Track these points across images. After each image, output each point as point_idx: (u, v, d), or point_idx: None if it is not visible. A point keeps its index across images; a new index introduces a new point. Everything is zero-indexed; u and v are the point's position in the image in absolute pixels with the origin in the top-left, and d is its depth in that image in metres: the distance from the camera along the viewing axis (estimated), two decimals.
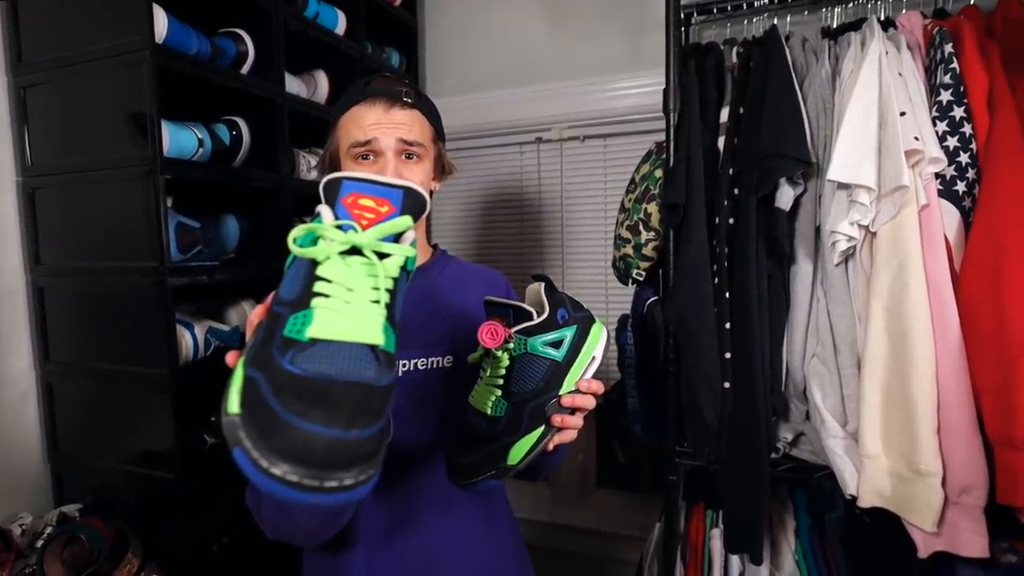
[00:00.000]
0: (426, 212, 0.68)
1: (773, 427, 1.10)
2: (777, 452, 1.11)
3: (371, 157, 0.74)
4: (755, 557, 1.09)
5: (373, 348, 0.40)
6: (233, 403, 0.36)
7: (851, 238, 0.99)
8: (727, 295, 1.07)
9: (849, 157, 0.95)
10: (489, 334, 0.61)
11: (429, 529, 0.77)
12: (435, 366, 0.78)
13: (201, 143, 1.18)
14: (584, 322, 0.66)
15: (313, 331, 0.38)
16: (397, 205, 0.47)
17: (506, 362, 0.62)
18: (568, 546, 1.84)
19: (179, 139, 1.13)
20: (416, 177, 0.76)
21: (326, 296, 0.41)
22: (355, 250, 0.44)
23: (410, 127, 0.75)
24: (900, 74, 0.98)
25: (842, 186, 0.99)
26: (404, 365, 0.77)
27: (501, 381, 0.63)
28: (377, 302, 0.42)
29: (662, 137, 1.39)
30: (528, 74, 1.79)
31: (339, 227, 0.44)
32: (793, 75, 1.03)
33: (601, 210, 1.78)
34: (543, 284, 0.66)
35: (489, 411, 0.63)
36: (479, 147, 1.90)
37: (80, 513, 1.16)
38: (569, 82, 1.74)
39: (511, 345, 0.62)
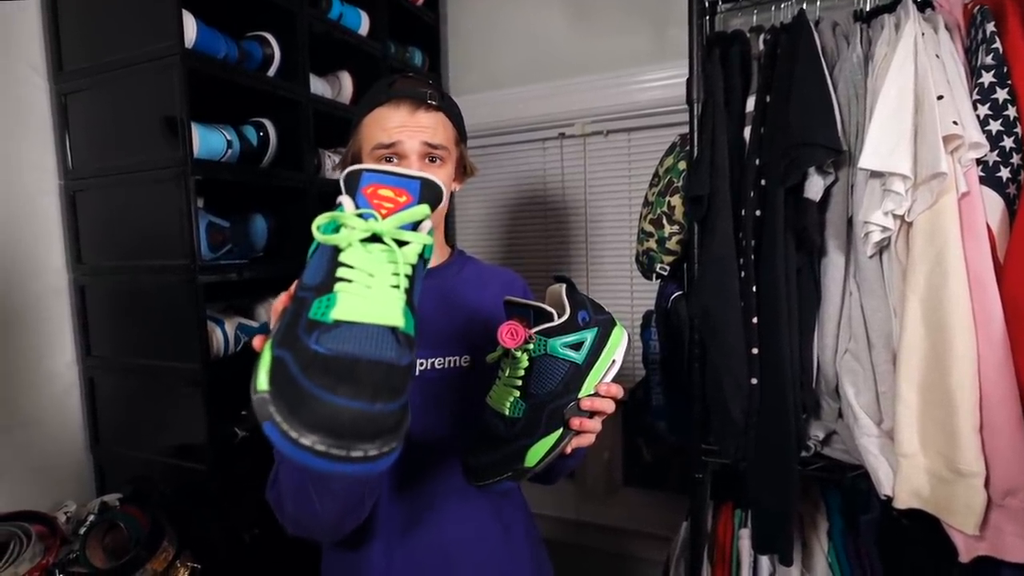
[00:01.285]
0: (443, 203, 0.68)
1: (804, 425, 1.07)
2: (808, 451, 1.08)
3: (395, 160, 0.75)
4: (785, 558, 1.06)
5: (394, 330, 0.41)
6: (262, 381, 0.38)
7: (885, 229, 0.95)
8: (754, 289, 1.04)
9: (882, 144, 0.91)
10: (509, 334, 0.61)
11: (446, 527, 0.77)
12: (452, 366, 0.78)
13: (230, 144, 1.21)
14: (605, 325, 0.65)
15: (337, 313, 0.40)
16: (415, 195, 0.48)
17: (525, 363, 0.62)
18: (594, 544, 1.83)
19: (209, 141, 1.16)
20: (438, 177, 0.76)
21: (348, 281, 0.42)
22: (375, 238, 0.45)
23: (434, 130, 0.75)
24: (937, 56, 0.93)
25: (875, 175, 0.95)
26: (421, 365, 0.77)
27: (520, 382, 0.62)
28: (397, 287, 0.44)
29: (680, 133, 1.37)
30: (551, 69, 1.78)
31: (360, 215, 0.46)
32: (823, 61, 1.00)
33: (625, 205, 1.76)
34: (564, 285, 0.65)
35: (507, 412, 0.62)
36: (502, 144, 1.90)
37: (120, 502, 1.21)
38: (592, 76, 1.72)
39: (531, 346, 0.61)
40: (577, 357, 0.63)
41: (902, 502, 0.94)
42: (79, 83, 1.18)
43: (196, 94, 1.10)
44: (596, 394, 0.64)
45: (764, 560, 1.19)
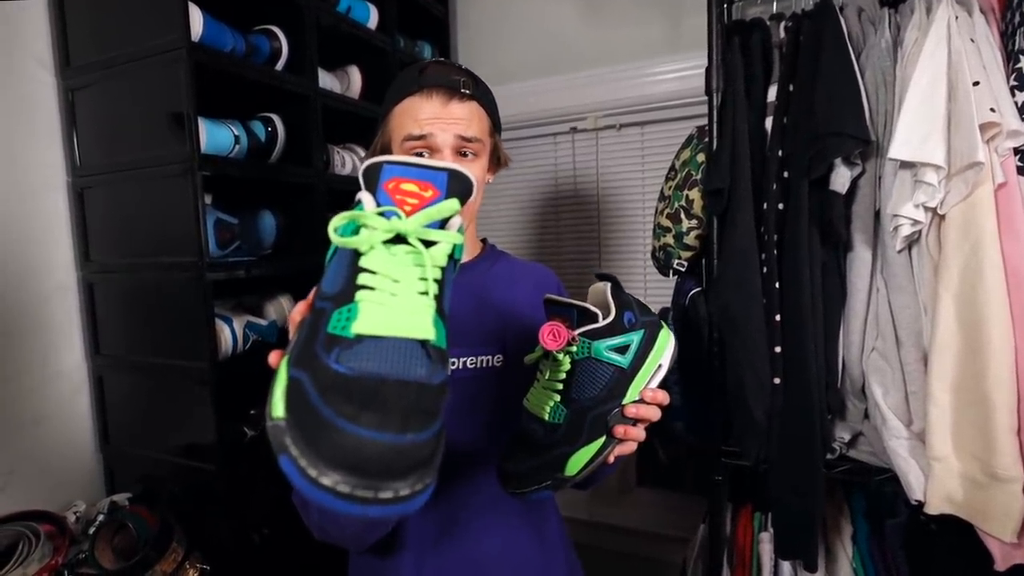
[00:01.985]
0: (473, 196, 0.68)
1: (828, 426, 1.03)
2: (833, 453, 1.04)
3: (426, 154, 0.71)
4: (809, 564, 1.03)
5: (424, 343, 0.37)
6: (278, 407, 0.34)
7: (916, 222, 0.91)
8: (777, 285, 1.00)
9: (914, 133, 0.87)
10: (551, 335, 0.57)
11: (479, 537, 0.75)
12: (485, 365, 0.75)
13: (237, 140, 1.19)
14: (652, 327, 0.62)
15: (359, 326, 0.35)
16: (442, 189, 0.43)
17: (567, 366, 0.59)
18: (607, 545, 1.80)
19: (216, 136, 1.14)
20: (472, 174, 0.73)
21: (371, 288, 0.38)
22: (400, 238, 0.41)
23: (468, 122, 0.71)
24: (972, 40, 0.89)
25: (905, 165, 0.91)
26: (453, 364, 0.74)
27: (561, 386, 0.59)
28: (425, 293, 0.39)
29: (703, 123, 1.33)
30: (562, 62, 1.74)
31: (382, 214, 0.41)
32: (850, 47, 0.96)
33: (638, 201, 1.72)
34: (609, 284, 0.61)
35: (547, 417, 0.59)
36: (512, 139, 1.87)
37: (129, 502, 1.20)
38: (605, 69, 1.69)
39: (574, 348, 0.58)
40: (622, 361, 0.59)
41: (934, 507, 0.90)
42: (86, 78, 1.17)
43: (203, 88, 1.08)
44: (641, 400, 0.61)
45: (786, 565, 1.15)
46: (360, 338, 0.35)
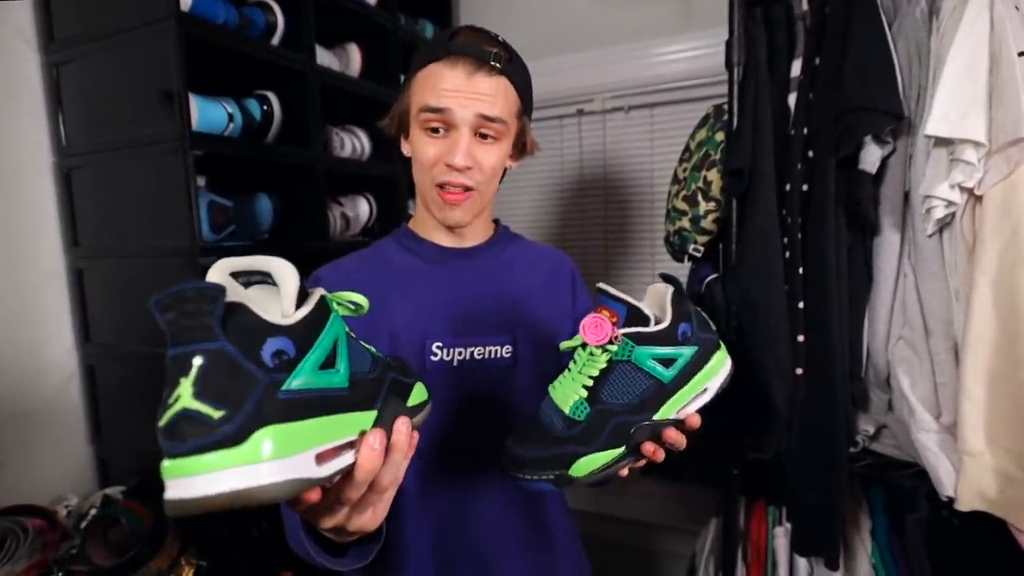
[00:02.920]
0: (496, 178, 0.72)
1: (853, 418, 0.99)
2: (855, 446, 0.99)
3: (441, 131, 0.66)
4: (831, 561, 0.99)
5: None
6: None
7: (950, 203, 0.85)
8: (800, 271, 0.95)
9: (952, 108, 0.81)
10: (592, 328, 0.53)
11: (481, 538, 0.71)
12: (493, 356, 0.71)
13: (231, 118, 1.13)
14: (708, 346, 0.57)
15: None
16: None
17: (603, 364, 0.54)
18: (613, 537, 1.78)
19: (208, 113, 1.08)
20: (488, 160, 0.67)
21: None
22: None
23: (492, 99, 0.65)
24: (1017, 8, 0.83)
25: (940, 143, 0.85)
26: (460, 354, 0.70)
27: (591, 383, 0.55)
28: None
29: (714, 104, 1.27)
30: (569, 41, 1.68)
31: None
32: (883, 16, 0.90)
33: (647, 186, 1.67)
34: (671, 289, 0.56)
35: (568, 411, 0.55)
36: None
37: (123, 496, 1.16)
38: (613, 48, 1.63)
39: (614, 348, 0.54)
40: (665, 375, 0.54)
41: (965, 504, 0.85)
42: (71, 52, 1.11)
43: (195, 63, 1.02)
44: (678, 422, 0.56)
45: (802, 560, 1.11)
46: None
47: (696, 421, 0.56)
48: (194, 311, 0.31)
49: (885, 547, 1.09)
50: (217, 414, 0.30)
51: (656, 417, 0.55)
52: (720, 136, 1.06)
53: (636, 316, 0.55)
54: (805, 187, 0.96)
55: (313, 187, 1.27)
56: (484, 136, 0.67)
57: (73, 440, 1.22)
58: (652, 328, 0.54)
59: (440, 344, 0.69)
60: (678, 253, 1.18)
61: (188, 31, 0.99)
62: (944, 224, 0.90)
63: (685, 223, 1.10)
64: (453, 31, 0.67)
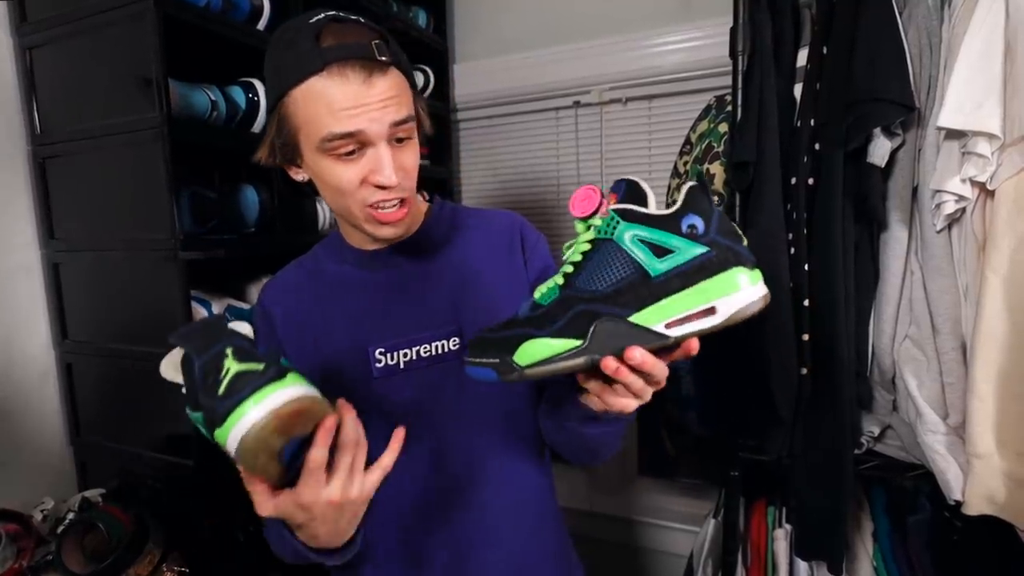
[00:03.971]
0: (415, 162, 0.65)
1: (858, 419, 0.96)
2: (860, 447, 0.97)
3: (355, 152, 0.57)
4: (834, 566, 0.97)
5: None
6: None
7: (961, 198, 0.83)
8: (806, 267, 0.92)
9: (965, 99, 0.78)
10: (581, 199, 0.48)
11: (451, 540, 0.68)
12: (440, 350, 0.67)
13: (215, 105, 1.09)
14: (727, 254, 0.45)
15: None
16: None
17: (585, 246, 0.48)
18: (608, 536, 1.76)
19: (190, 100, 1.03)
20: (410, 161, 0.61)
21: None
22: None
23: (398, 100, 0.57)
24: None
25: (952, 135, 0.82)
26: (406, 355, 0.66)
27: (571, 268, 0.49)
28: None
29: (716, 95, 1.24)
30: (566, 31, 1.64)
31: None
32: (894, 4, 0.87)
33: (645, 178, 1.62)
34: (696, 184, 0.47)
35: (538, 296, 0.50)
36: (512, 114, 1.77)
37: (103, 498, 1.12)
38: (611, 39, 1.59)
39: (598, 222, 0.47)
40: (648, 263, 0.45)
41: (974, 508, 0.83)
42: (45, 35, 1.06)
43: (176, 47, 0.97)
44: (664, 342, 0.45)
45: (803, 563, 1.09)
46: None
47: (694, 347, 0.45)
48: (215, 324, 0.49)
49: (887, 550, 1.07)
50: (260, 367, 0.46)
51: (632, 319, 0.45)
52: (723, 128, 1.03)
53: (636, 194, 0.47)
54: (811, 181, 0.93)
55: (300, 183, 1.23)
56: (400, 140, 0.60)
57: (50, 441, 1.17)
58: (649, 208, 0.46)
59: (383, 349, 0.66)
60: None
61: (168, 13, 0.94)
62: (953, 220, 0.87)
63: None
64: (315, 30, 0.56)
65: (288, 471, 0.47)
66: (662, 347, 0.46)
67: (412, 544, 0.68)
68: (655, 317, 0.45)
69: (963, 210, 0.85)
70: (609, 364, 0.45)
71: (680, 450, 1.63)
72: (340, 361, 0.67)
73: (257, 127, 1.19)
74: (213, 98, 1.08)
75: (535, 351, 0.47)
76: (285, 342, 0.70)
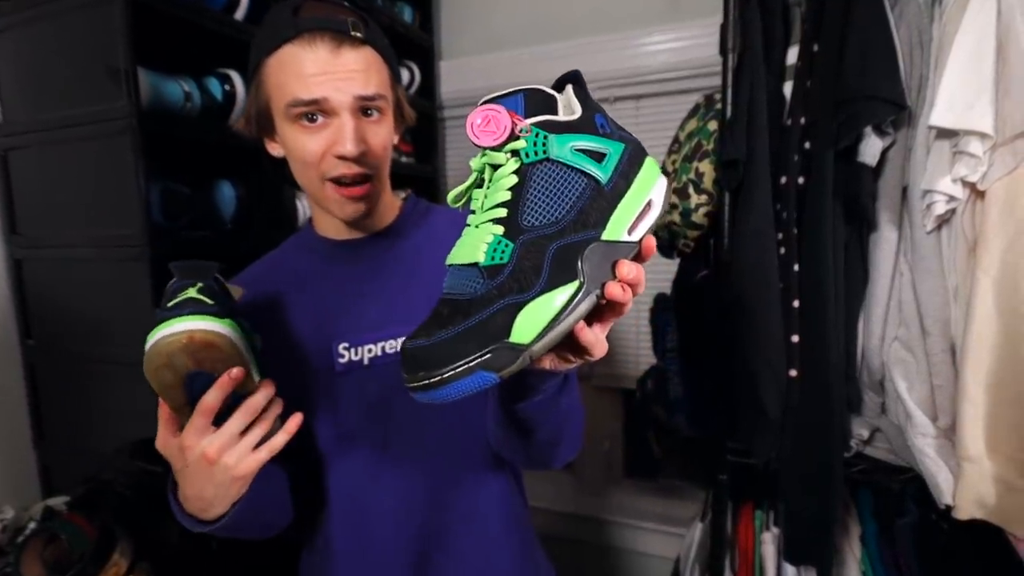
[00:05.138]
0: (387, 152, 0.66)
1: (847, 422, 0.95)
2: (849, 450, 0.96)
3: (319, 119, 0.58)
4: (823, 570, 0.95)
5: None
6: None
7: (952, 199, 0.82)
8: (796, 268, 0.91)
9: (957, 97, 0.77)
10: (484, 123, 0.39)
11: (417, 542, 0.66)
12: None
13: (188, 97, 1.04)
14: (634, 145, 0.43)
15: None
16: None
17: (511, 179, 0.40)
18: (593, 539, 1.74)
19: (161, 91, 0.99)
20: (378, 139, 0.60)
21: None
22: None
23: (367, 75, 0.58)
24: None
25: (943, 135, 0.81)
26: (371, 351, 0.64)
27: (504, 212, 0.40)
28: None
29: (705, 93, 1.23)
30: (553, 29, 1.62)
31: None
32: (885, 1, 0.86)
33: None
34: (571, 84, 0.43)
35: (483, 259, 0.39)
36: None
37: (68, 506, 1.07)
38: (598, 37, 1.58)
39: (522, 144, 0.40)
40: (599, 172, 0.40)
41: (964, 512, 0.82)
42: (7, 20, 1.01)
43: (147, 35, 0.93)
44: (633, 246, 0.41)
45: (790, 567, 1.08)
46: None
47: (652, 245, 0.43)
48: (205, 267, 0.51)
49: (875, 553, 1.06)
50: (211, 302, 0.49)
51: (604, 237, 0.40)
52: (713, 125, 1.02)
53: (539, 103, 0.41)
54: (801, 180, 0.92)
55: (279, 174, 1.18)
56: (367, 113, 0.60)
57: (13, 445, 1.11)
58: (564, 116, 0.41)
59: (346, 344, 0.64)
60: (666, 249, 1.13)
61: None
62: (943, 221, 0.86)
63: (675, 217, 1.05)
64: (293, 5, 0.58)
65: (190, 408, 0.50)
66: (635, 255, 0.43)
67: (373, 548, 0.66)
68: (619, 227, 0.41)
69: (953, 211, 0.85)
70: (614, 290, 0.39)
71: (667, 452, 1.62)
72: (302, 355, 0.65)
73: (234, 120, 1.15)
74: (187, 89, 1.04)
75: (536, 318, 0.37)
76: None
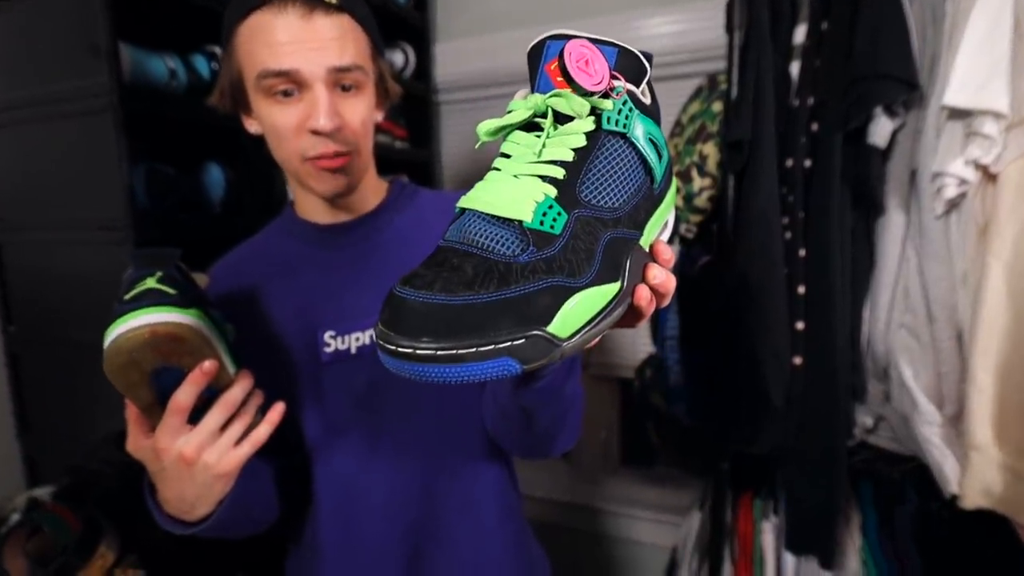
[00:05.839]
0: (368, 131, 0.61)
1: (852, 411, 0.93)
2: (852, 439, 0.94)
3: (294, 93, 0.55)
4: (825, 560, 0.94)
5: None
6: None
7: (963, 182, 0.80)
8: (801, 253, 0.89)
9: (971, 76, 0.75)
10: (582, 61, 0.32)
11: (408, 535, 0.64)
12: None
13: (173, 74, 1.00)
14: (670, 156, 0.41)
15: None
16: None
17: (579, 138, 0.33)
18: (589, 527, 1.73)
19: (145, 67, 0.95)
20: (356, 114, 0.57)
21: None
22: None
23: (342, 45, 0.55)
24: None
25: (956, 115, 0.79)
26: (358, 339, 0.61)
27: (561, 173, 0.33)
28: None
29: (705, 76, 1.20)
30: (552, 11, 1.58)
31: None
32: None
33: None
34: (649, 58, 0.37)
35: (530, 218, 0.31)
36: (495, 96, 1.70)
37: (53, 497, 1.04)
38: (596, 20, 1.54)
39: (608, 107, 0.33)
40: (657, 170, 0.36)
41: (970, 501, 0.81)
42: None
43: (131, 11, 0.89)
44: (649, 256, 0.37)
45: (789, 556, 1.07)
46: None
47: (668, 255, 0.38)
48: (165, 254, 0.48)
49: (875, 542, 1.06)
50: (172, 291, 0.46)
51: (642, 242, 0.35)
52: (717, 106, 0.99)
53: (630, 69, 0.34)
54: (808, 163, 0.89)
55: (260, 153, 1.15)
56: (344, 88, 0.57)
57: None
58: (645, 97, 0.36)
59: (333, 333, 0.61)
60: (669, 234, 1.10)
61: None
62: (952, 205, 0.84)
63: (678, 201, 1.03)
64: None
65: (161, 407, 0.47)
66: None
67: (364, 542, 0.64)
68: (650, 236, 0.37)
69: (963, 195, 0.83)
70: (643, 294, 0.35)
71: (665, 441, 1.61)
72: (286, 345, 0.62)
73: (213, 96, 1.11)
74: (172, 66, 1.00)
75: (581, 311, 0.31)
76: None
